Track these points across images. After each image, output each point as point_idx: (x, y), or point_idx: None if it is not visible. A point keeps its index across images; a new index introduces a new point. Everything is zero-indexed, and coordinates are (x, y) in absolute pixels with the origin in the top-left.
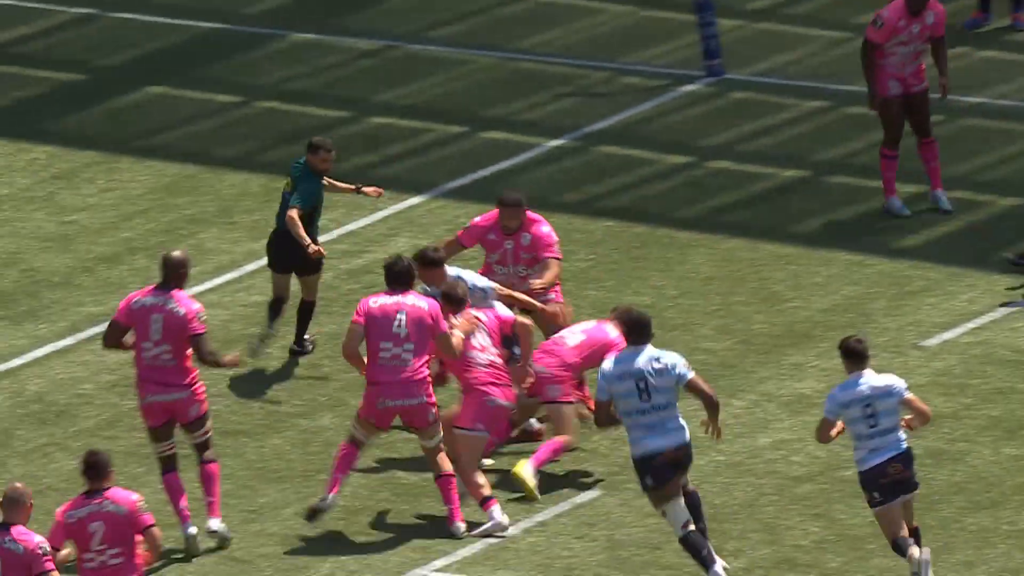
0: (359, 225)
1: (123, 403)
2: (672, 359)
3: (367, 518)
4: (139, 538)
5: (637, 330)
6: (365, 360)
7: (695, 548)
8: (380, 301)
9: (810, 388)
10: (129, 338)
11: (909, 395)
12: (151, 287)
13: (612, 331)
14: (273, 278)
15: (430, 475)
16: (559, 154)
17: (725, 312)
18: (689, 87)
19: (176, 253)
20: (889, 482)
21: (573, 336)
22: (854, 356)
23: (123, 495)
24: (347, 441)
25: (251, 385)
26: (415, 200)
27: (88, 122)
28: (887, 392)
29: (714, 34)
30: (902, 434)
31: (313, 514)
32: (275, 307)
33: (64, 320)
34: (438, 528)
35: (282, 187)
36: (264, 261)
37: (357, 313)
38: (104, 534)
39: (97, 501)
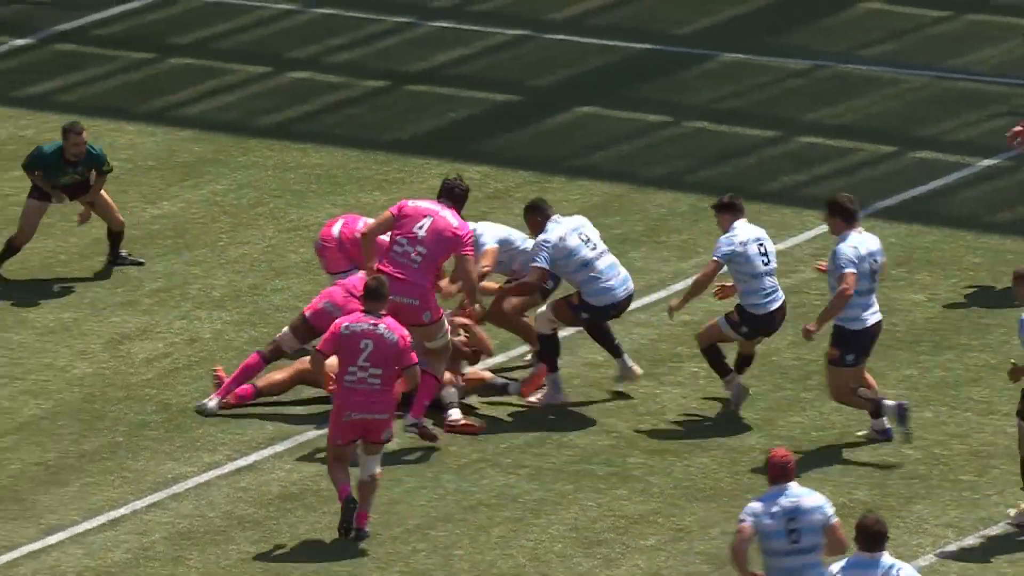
0: (787, 245)
1: None
2: None
3: None
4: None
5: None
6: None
7: None
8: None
9: None
10: None
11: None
12: None
13: None
14: None
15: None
16: (992, 174)
17: None
18: None
19: None
20: None
21: None
22: None
23: (397, 327)
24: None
25: (677, 403)
26: None
27: (520, 142)
28: None
29: None
30: None
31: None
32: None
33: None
34: None
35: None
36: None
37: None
38: (371, 354)
39: (373, 323)
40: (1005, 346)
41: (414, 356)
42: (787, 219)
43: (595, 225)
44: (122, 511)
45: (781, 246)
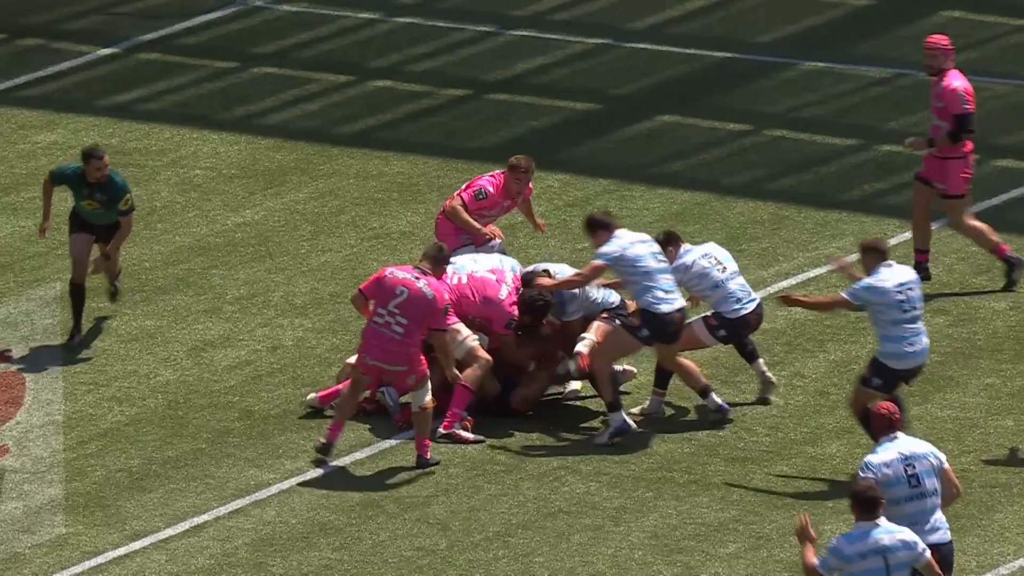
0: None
1: None
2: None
3: None
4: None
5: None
6: None
7: None
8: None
9: None
10: None
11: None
12: None
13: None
14: None
15: None
16: None
17: None
18: None
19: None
20: None
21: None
22: None
23: (438, 286)
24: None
25: (757, 411)
26: None
27: (601, 150)
28: None
29: None
30: None
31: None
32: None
33: None
34: None
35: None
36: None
37: None
38: (403, 302)
39: (416, 275)
40: None
41: (448, 320)
42: (867, 227)
43: (678, 233)
44: (205, 517)
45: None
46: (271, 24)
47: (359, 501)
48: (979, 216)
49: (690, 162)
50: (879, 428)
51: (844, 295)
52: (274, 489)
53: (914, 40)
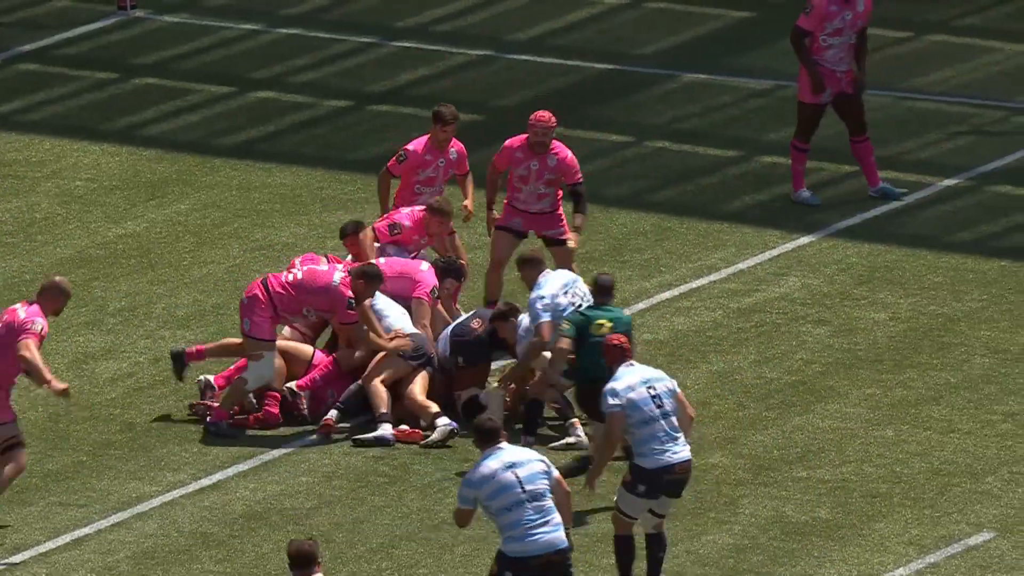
0: (748, 264)
1: None
2: None
3: (758, 557)
4: None
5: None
6: None
7: None
8: None
9: None
10: None
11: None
12: None
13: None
14: None
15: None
16: (951, 194)
17: None
18: None
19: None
20: None
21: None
22: None
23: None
24: None
25: None
26: (805, 239)
27: (485, 162)
28: None
29: None
30: None
31: None
32: None
33: None
34: (830, 568)
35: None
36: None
37: None
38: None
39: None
40: (965, 364)
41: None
42: (748, 238)
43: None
44: (86, 531)
45: (742, 265)
46: (152, 35)
47: (242, 513)
48: (858, 228)
49: None
50: (614, 359)
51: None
52: (156, 502)
53: (787, 53)
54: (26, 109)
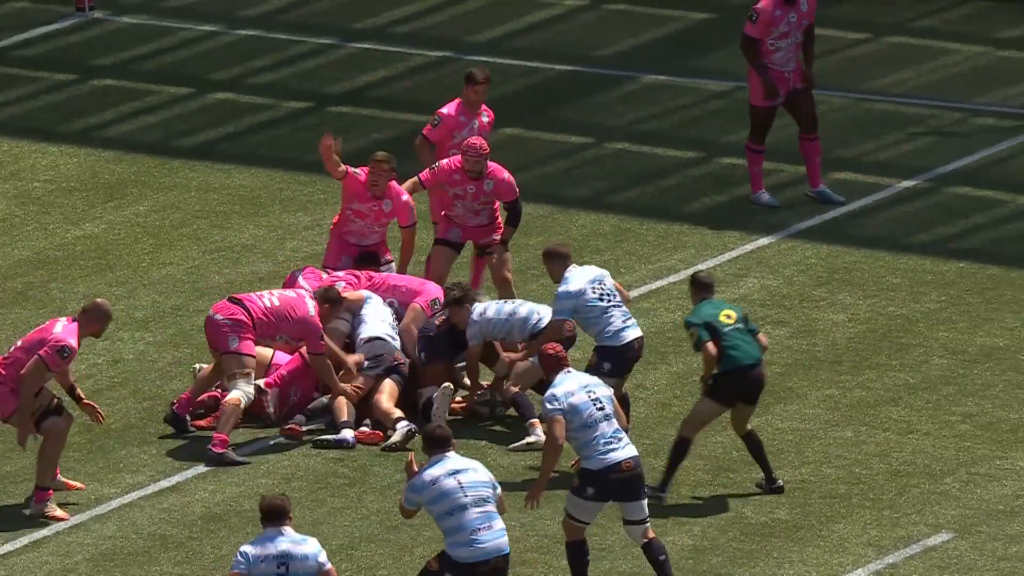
0: (709, 265)
1: None
2: None
3: (717, 558)
4: None
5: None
6: None
7: None
8: None
9: None
10: None
11: None
12: None
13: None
14: None
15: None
16: (910, 195)
17: None
18: None
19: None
20: None
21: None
22: None
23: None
24: None
25: None
26: (764, 241)
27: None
28: None
29: None
30: None
31: None
32: None
33: None
34: (789, 568)
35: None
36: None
37: None
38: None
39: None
40: (924, 365)
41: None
42: (708, 239)
43: (518, 246)
44: (44, 532)
45: (702, 266)
46: (111, 36)
47: (201, 515)
48: (816, 230)
49: (532, 175)
50: (551, 367)
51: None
52: (115, 503)
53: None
54: None
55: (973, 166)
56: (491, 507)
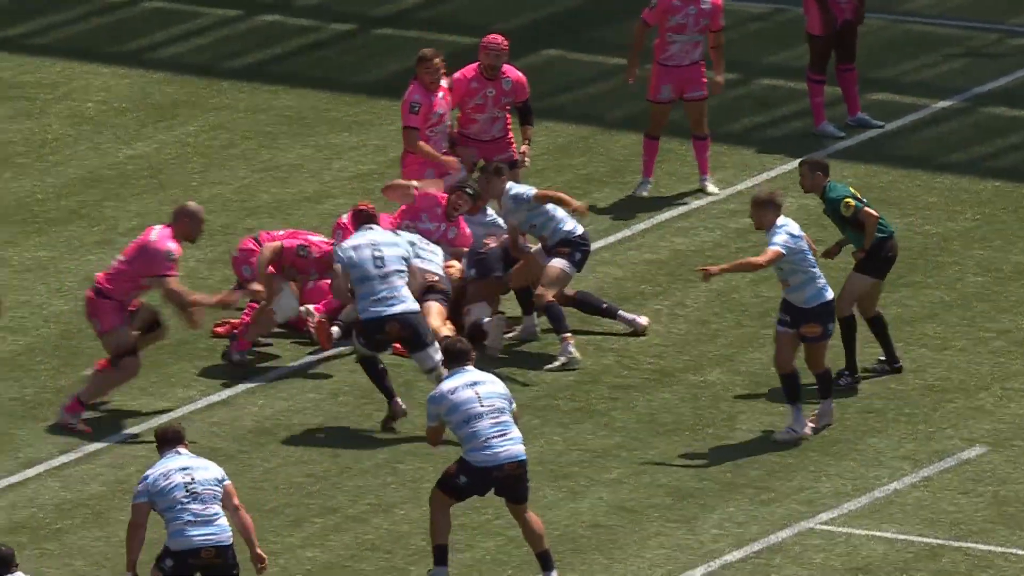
0: (747, 185)
1: None
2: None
3: (755, 471)
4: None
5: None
6: None
7: None
8: None
9: None
10: None
11: None
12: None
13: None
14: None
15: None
16: (946, 115)
17: None
18: None
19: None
20: None
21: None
22: None
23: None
24: None
25: (639, 340)
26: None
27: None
28: None
29: None
30: None
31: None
32: None
33: None
34: (826, 482)
35: None
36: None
37: None
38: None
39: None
40: (959, 283)
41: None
42: (748, 159)
43: (561, 167)
44: (100, 445)
45: (741, 186)
46: None
47: (251, 428)
48: (854, 150)
49: (575, 95)
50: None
51: (778, 249)
52: (166, 417)
53: None
54: (36, 32)
55: (1009, 86)
56: (506, 417)
